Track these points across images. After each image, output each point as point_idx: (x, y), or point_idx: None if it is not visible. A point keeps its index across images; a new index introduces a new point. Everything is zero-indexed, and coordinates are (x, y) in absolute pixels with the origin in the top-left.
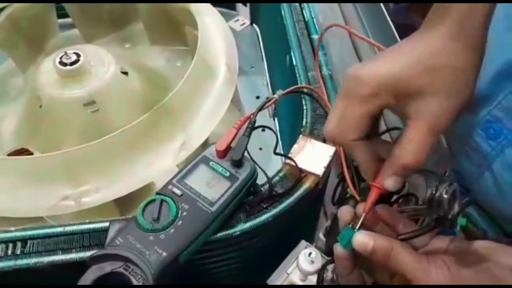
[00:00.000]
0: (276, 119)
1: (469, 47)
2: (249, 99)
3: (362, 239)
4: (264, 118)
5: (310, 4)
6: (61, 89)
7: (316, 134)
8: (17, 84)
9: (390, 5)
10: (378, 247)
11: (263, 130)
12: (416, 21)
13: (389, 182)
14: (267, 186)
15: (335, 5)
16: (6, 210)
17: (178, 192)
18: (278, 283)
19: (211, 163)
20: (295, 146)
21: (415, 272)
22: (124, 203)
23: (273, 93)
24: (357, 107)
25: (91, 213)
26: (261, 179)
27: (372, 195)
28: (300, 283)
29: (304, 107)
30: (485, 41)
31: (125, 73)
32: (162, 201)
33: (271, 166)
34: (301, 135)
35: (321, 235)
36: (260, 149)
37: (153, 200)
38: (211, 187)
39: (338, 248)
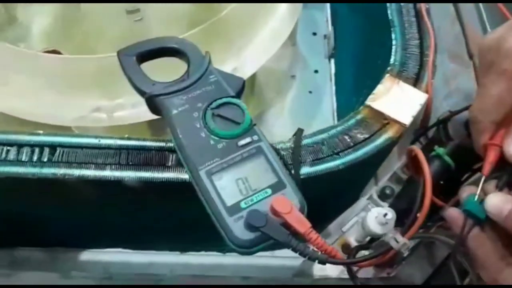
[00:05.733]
0: (332, 60)
1: None
2: (304, 35)
3: (497, 202)
4: (318, 58)
5: None
6: None
7: (406, 76)
8: None
9: None
10: None
11: (315, 71)
12: None
13: None
14: None
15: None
16: (30, 114)
17: None
18: (332, 240)
19: None
20: (380, 87)
21: None
22: (158, 125)
23: (334, 31)
24: (499, 85)
25: (121, 131)
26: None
27: (490, 156)
28: (354, 243)
29: (394, 42)
30: None
31: None
32: None
33: (321, 112)
34: (387, 75)
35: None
36: (310, 92)
37: None
38: None
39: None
